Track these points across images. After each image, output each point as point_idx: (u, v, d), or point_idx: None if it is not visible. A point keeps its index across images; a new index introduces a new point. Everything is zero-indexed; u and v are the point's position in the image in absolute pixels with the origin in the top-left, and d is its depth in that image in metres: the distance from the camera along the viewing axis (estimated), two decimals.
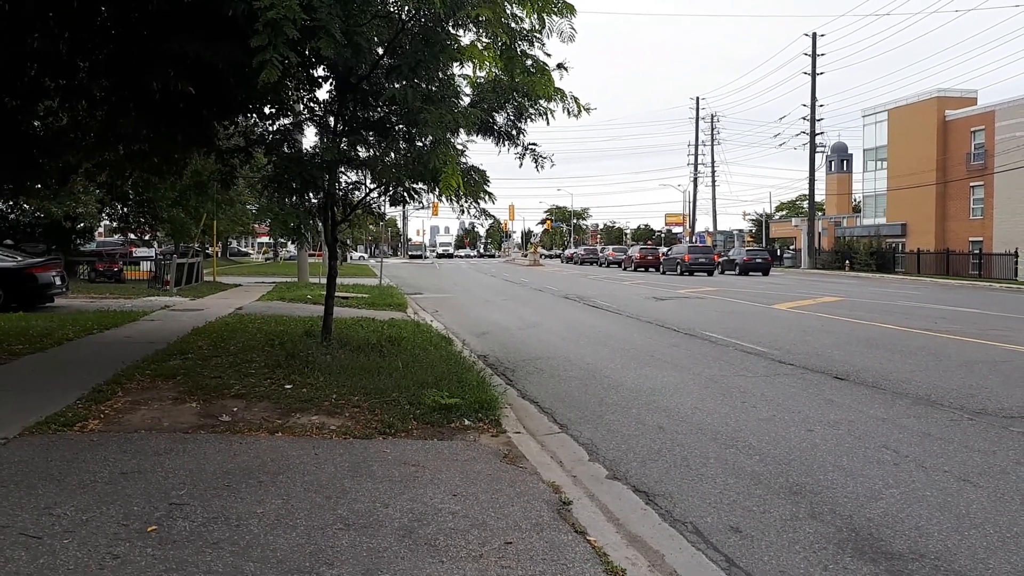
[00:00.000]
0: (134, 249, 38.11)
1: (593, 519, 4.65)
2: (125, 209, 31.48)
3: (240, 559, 3.80)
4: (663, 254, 51.85)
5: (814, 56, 56.13)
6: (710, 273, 44.58)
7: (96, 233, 38.40)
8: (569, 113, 9.17)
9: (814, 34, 56.11)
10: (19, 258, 17.15)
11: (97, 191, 24.65)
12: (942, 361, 11.06)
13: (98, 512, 4.35)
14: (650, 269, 51.55)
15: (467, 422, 6.72)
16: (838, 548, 4.39)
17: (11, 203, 26.29)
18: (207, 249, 39.61)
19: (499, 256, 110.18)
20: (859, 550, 4.36)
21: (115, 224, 35.89)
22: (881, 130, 57.06)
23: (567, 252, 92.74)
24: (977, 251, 46.49)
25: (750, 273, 45.71)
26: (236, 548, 3.93)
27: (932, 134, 51.39)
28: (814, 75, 56.45)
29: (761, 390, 8.92)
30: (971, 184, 48.98)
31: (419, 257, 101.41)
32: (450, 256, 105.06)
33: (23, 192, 18.76)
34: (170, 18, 7.47)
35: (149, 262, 29.53)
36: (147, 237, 37.79)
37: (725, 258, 50.48)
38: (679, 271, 44.99)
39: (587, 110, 9.19)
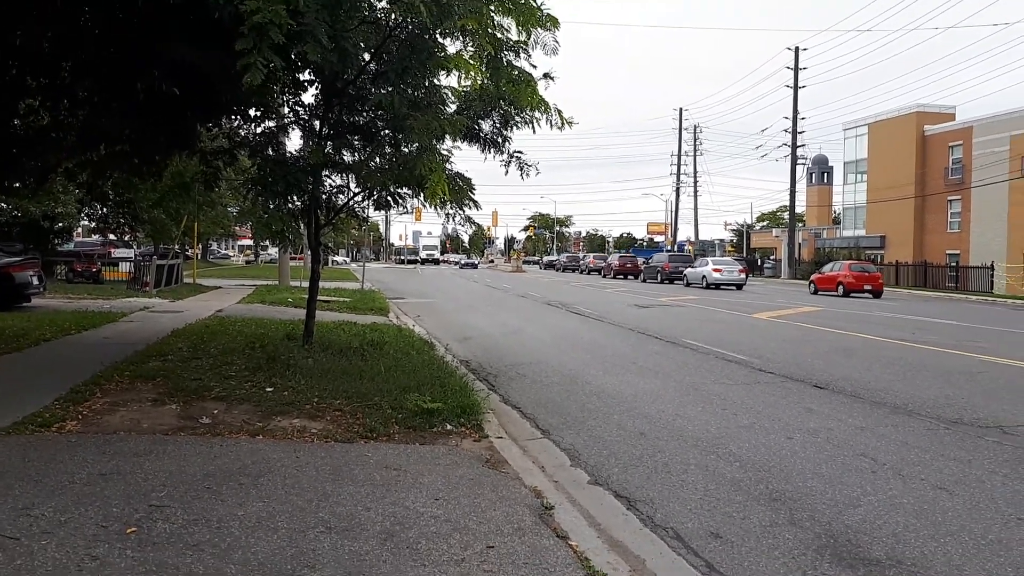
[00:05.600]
0: (113, 250, 37.75)
1: (575, 524, 4.66)
2: (105, 209, 31.20)
3: (221, 561, 3.78)
4: (644, 262, 52.13)
5: (796, 70, 56.75)
6: None
7: (75, 233, 38.02)
8: (552, 125, 9.23)
9: (796, 48, 56.79)
10: None
11: (76, 191, 24.42)
12: (920, 371, 11.20)
13: (77, 513, 4.31)
14: (629, 276, 51.94)
15: (449, 427, 6.72)
16: (817, 554, 4.43)
17: None
18: (187, 251, 39.31)
19: (483, 261, 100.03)
20: (837, 556, 4.41)
21: (94, 224, 35.55)
22: (861, 143, 57.82)
23: (545, 259, 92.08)
24: (954, 264, 47.12)
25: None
26: (217, 550, 3.90)
27: (911, 148, 52.14)
28: (796, 88, 57.07)
29: (741, 398, 8.99)
30: (949, 198, 49.68)
31: (414, 262, 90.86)
32: (436, 262, 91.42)
33: (1, 191, 18.54)
34: (155, 19, 7.44)
35: (128, 263, 29.28)
36: (127, 238, 37.46)
37: None
38: (659, 279, 45.34)
39: (570, 124, 9.25)
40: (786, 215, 65.01)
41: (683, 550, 4.46)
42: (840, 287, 34.57)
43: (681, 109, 74.90)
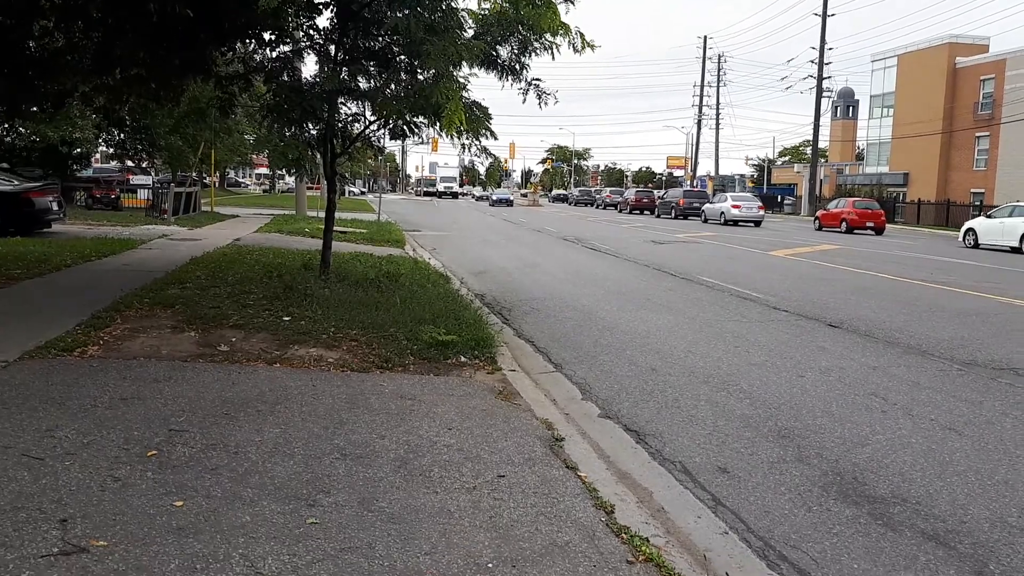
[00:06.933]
0: (131, 176, 37.75)
1: (584, 456, 4.74)
2: (122, 135, 31.07)
3: (238, 485, 3.88)
4: (659, 197, 51.72)
5: None
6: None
7: (93, 159, 38.02)
8: (574, 48, 9.01)
9: None
10: (16, 182, 16.98)
11: (94, 116, 24.29)
12: (935, 312, 11.13)
13: (99, 436, 4.43)
14: (645, 212, 51.60)
15: (463, 359, 6.79)
16: (823, 491, 4.50)
17: (6, 126, 25.93)
18: (205, 179, 39.28)
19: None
20: (843, 493, 4.47)
21: (112, 151, 35.47)
22: (890, 76, 56.23)
23: (554, 192, 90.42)
24: (978, 203, 46.27)
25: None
26: (234, 474, 4.01)
27: (941, 81, 50.66)
28: (824, 17, 55.21)
29: (754, 335, 9.00)
30: (977, 134, 48.51)
31: (431, 194, 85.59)
32: (454, 195, 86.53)
33: (18, 115, 18.45)
34: None
35: (146, 190, 29.35)
36: (144, 165, 37.42)
37: None
38: (674, 215, 45.01)
39: (591, 47, 9.04)
40: (809, 150, 63.80)
41: (690, 483, 4.54)
42: (843, 223, 35.31)
43: (705, 37, 73.03)
